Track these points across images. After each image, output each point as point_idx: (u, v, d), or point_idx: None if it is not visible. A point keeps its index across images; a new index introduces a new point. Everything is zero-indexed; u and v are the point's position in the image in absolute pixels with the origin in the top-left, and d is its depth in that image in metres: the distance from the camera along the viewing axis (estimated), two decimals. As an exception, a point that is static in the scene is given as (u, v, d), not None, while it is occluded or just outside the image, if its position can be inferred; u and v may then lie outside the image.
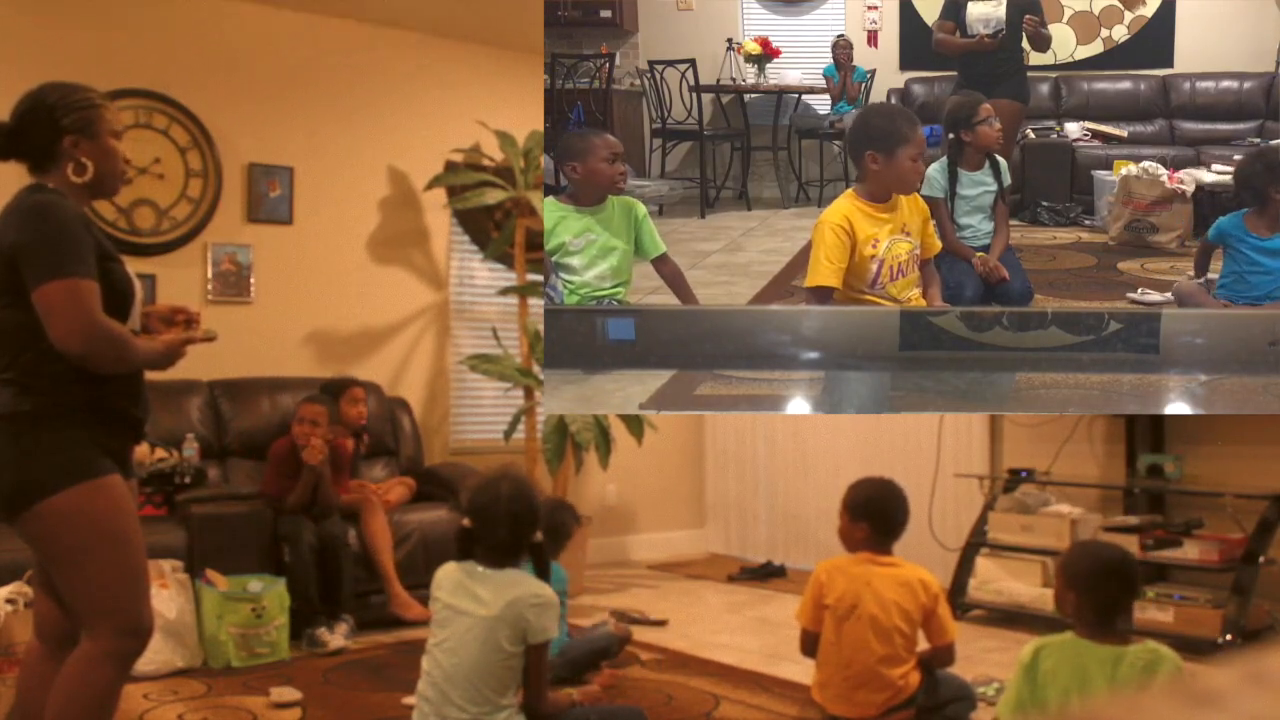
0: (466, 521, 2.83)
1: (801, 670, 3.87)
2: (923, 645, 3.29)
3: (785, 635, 4.58)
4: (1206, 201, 5.44)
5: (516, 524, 2.79)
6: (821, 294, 3.00)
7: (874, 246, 3.02)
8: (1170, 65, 7.15)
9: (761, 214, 6.87)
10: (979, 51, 5.32)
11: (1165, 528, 4.52)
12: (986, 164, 4.05)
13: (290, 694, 3.63)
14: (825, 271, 2.98)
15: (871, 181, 3.04)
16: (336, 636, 4.29)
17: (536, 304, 5.70)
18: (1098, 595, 2.57)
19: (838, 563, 3.29)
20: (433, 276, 5.93)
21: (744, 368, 2.94)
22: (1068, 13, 7.28)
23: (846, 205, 3.03)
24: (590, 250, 3.37)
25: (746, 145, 7.25)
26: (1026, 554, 4.79)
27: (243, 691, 3.73)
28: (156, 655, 3.80)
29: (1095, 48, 7.32)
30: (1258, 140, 6.44)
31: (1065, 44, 7.24)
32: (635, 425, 5.47)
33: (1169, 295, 4.12)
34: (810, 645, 3.32)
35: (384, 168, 5.79)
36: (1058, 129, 6.85)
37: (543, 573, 2.87)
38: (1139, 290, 4.55)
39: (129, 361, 2.34)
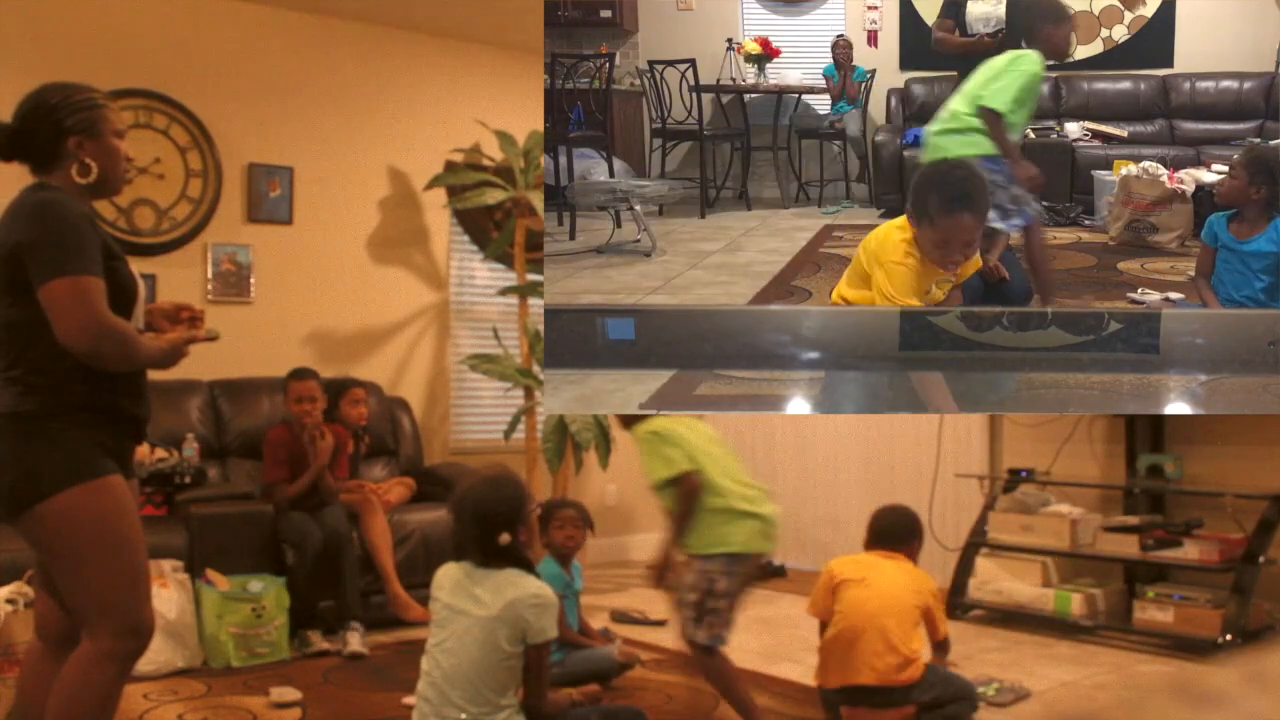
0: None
1: (801, 670, 3.87)
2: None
3: (785, 635, 4.58)
4: (1206, 201, 5.44)
5: (481, 525, 2.79)
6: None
7: (925, 295, 3.03)
8: (1170, 65, 7.15)
9: (761, 214, 6.87)
10: (979, 51, 5.32)
11: (1165, 528, 4.52)
12: (986, 164, 4.04)
13: (290, 694, 3.63)
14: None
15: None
16: (353, 643, 4.24)
17: (536, 304, 5.70)
18: None
19: (847, 556, 3.48)
20: (433, 276, 5.93)
21: (744, 368, 2.94)
22: (1068, 13, 7.27)
23: (918, 254, 2.94)
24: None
25: (746, 145, 7.25)
26: (1026, 554, 4.80)
27: (243, 691, 3.73)
28: (156, 655, 3.80)
29: (1095, 48, 7.32)
30: (1257, 140, 6.44)
31: (1065, 44, 7.23)
32: (635, 425, 5.47)
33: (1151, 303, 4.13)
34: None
35: (384, 168, 5.79)
36: (1058, 129, 6.85)
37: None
38: (1139, 290, 4.55)
39: (134, 359, 2.34)
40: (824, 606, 3.36)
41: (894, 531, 3.47)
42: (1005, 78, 3.65)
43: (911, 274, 2.95)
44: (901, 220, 2.99)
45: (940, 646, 3.42)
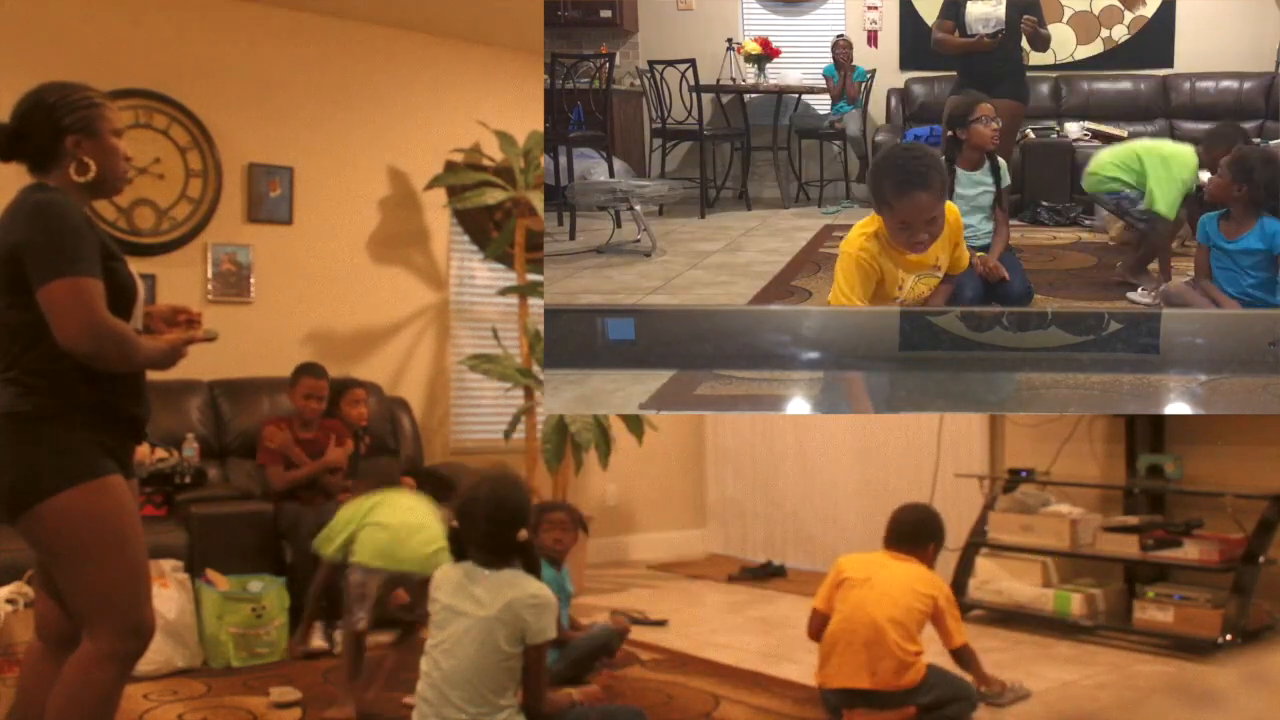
0: (454, 522, 2.86)
1: (801, 670, 3.87)
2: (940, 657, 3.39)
3: (785, 635, 4.58)
4: (1206, 201, 5.44)
5: (495, 523, 2.79)
6: None
7: (900, 289, 3.03)
8: (1170, 65, 7.15)
9: (761, 214, 6.87)
10: (978, 51, 5.32)
11: (1165, 528, 4.52)
12: (986, 164, 4.05)
13: (290, 694, 3.63)
14: (847, 301, 2.99)
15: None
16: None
17: (536, 304, 5.70)
18: None
19: (859, 553, 3.52)
20: (433, 276, 5.93)
21: (744, 368, 2.94)
22: (1068, 13, 7.28)
23: (875, 247, 2.98)
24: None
25: (746, 145, 7.25)
26: (1026, 554, 4.80)
27: (243, 691, 3.73)
28: (156, 655, 3.80)
29: (1095, 48, 7.32)
30: (1257, 140, 6.44)
31: (1065, 44, 7.24)
32: (635, 425, 5.47)
33: (1157, 300, 4.15)
34: (818, 627, 3.38)
35: (384, 168, 5.79)
36: (1058, 129, 6.85)
37: (531, 572, 2.86)
38: (1139, 290, 4.55)
39: (133, 360, 2.34)
40: (827, 599, 3.39)
41: (906, 531, 3.47)
42: (1171, 184, 4.42)
43: (856, 267, 2.96)
44: (872, 214, 3.02)
45: (959, 658, 3.41)
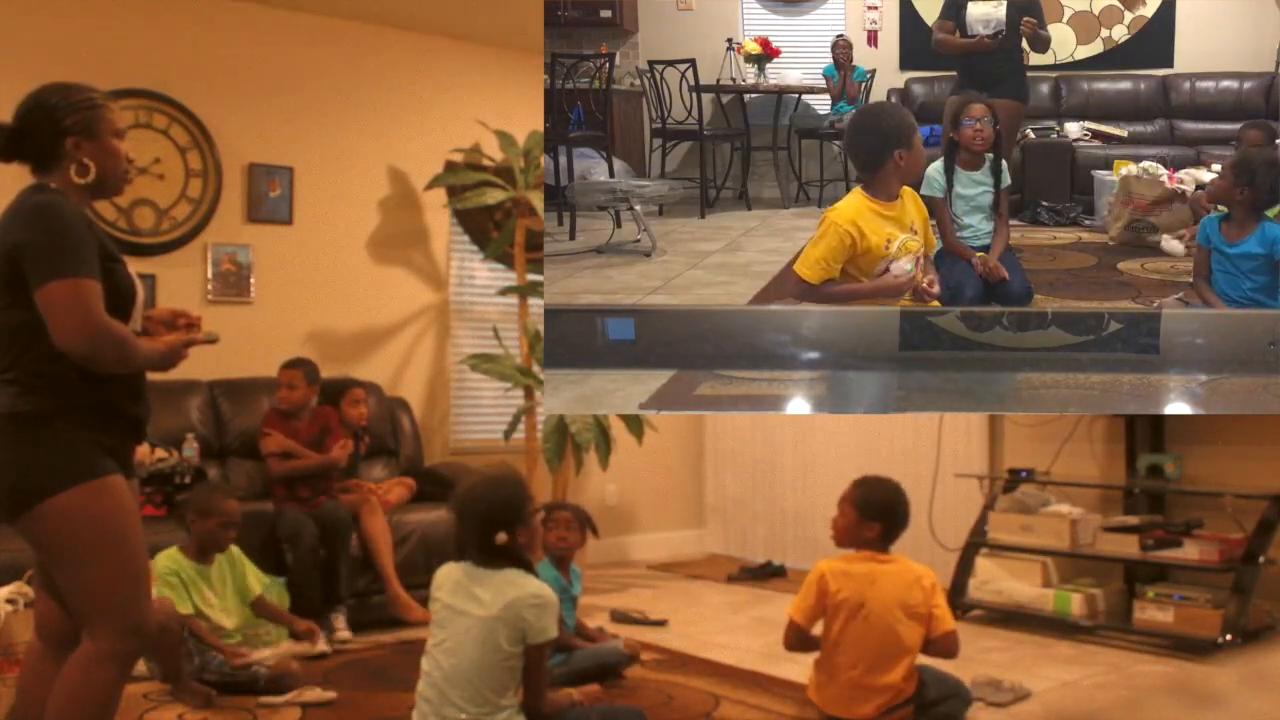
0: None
1: (801, 670, 3.87)
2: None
3: (785, 635, 4.58)
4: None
5: (482, 522, 2.79)
6: (802, 283, 2.99)
7: (888, 247, 3.02)
8: (1170, 65, 7.15)
9: (761, 214, 6.87)
10: (979, 51, 5.32)
11: (1165, 528, 4.52)
12: (986, 164, 4.05)
13: (324, 695, 3.63)
14: (817, 269, 2.97)
15: (892, 180, 3.02)
16: (339, 628, 4.35)
17: (536, 304, 5.70)
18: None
19: (840, 563, 3.32)
20: (433, 276, 5.93)
21: (744, 368, 2.94)
22: (1068, 13, 7.28)
23: (859, 205, 3.00)
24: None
25: (746, 145, 7.25)
26: (1026, 554, 4.80)
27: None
28: (157, 655, 3.80)
29: (1095, 48, 7.32)
30: (1257, 140, 6.43)
31: (1065, 44, 7.24)
32: (635, 425, 5.47)
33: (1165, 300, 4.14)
34: (798, 640, 3.32)
35: (384, 168, 5.79)
36: (1058, 129, 6.85)
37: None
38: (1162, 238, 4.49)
39: (131, 362, 2.34)
40: (809, 614, 3.28)
41: (894, 515, 3.29)
42: None
43: (837, 236, 2.95)
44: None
45: (944, 645, 3.29)
